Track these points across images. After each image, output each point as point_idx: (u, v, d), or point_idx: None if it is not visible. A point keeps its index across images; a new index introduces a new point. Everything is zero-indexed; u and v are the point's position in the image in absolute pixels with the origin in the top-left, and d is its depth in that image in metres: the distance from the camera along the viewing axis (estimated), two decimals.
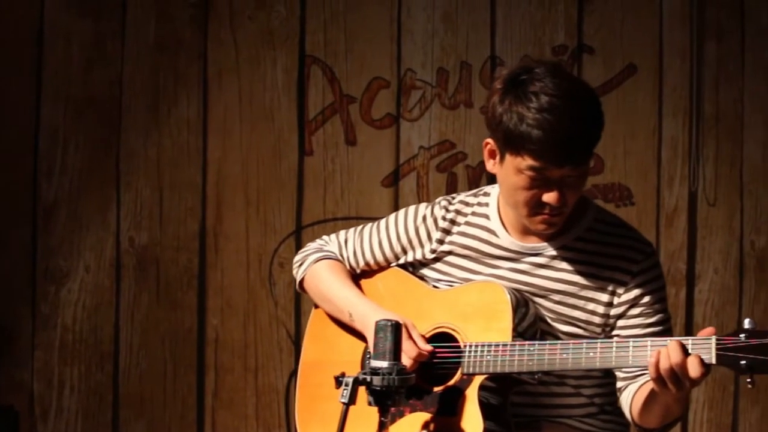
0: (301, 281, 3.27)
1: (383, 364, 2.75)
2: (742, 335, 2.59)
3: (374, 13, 4.54)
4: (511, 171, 2.89)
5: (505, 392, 2.97)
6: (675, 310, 4.57)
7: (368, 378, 2.73)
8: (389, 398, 2.75)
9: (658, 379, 2.70)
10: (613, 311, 2.98)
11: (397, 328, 2.77)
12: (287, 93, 4.55)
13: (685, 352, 2.67)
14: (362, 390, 2.76)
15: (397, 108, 4.55)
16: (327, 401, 3.00)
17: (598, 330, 2.99)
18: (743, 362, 2.57)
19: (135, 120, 4.54)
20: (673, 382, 2.68)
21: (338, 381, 2.75)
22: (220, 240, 4.55)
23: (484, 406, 2.90)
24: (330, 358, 3.17)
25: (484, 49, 4.55)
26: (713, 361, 2.62)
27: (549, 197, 2.87)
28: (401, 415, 2.98)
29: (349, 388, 2.71)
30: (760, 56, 4.57)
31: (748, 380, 2.59)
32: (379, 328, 2.78)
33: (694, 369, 2.66)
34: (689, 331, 4.52)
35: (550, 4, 4.55)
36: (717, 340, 2.63)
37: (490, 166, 2.97)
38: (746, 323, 2.62)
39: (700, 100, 4.56)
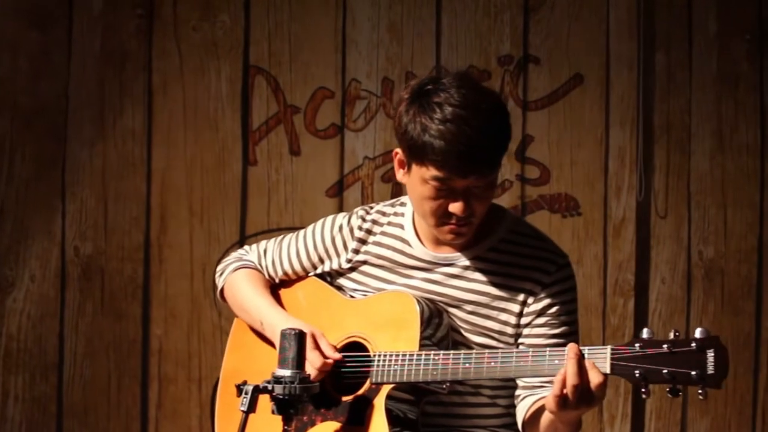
0: (221, 290, 3.29)
1: (286, 372, 2.76)
2: (637, 345, 2.58)
3: (319, 23, 4.54)
4: (418, 181, 2.89)
5: (415, 402, 2.97)
6: (623, 320, 4.57)
7: (270, 386, 2.74)
8: (292, 407, 2.75)
9: (561, 395, 2.67)
10: (522, 320, 2.97)
11: (300, 336, 2.77)
12: (231, 103, 4.55)
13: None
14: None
15: (342, 118, 4.56)
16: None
17: (512, 341, 2.99)
18: (637, 372, 2.56)
19: (81, 130, 4.55)
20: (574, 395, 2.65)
21: (239, 389, 2.75)
22: (164, 250, 4.55)
23: (391, 415, 2.90)
24: (249, 367, 3.17)
25: (430, 59, 4.55)
26: (607, 370, 2.61)
27: (455, 207, 2.87)
28: (312, 424, 2.99)
29: (249, 396, 2.72)
30: (707, 67, 4.57)
31: (643, 390, 2.58)
32: (283, 336, 2.78)
33: (594, 375, 2.65)
34: None
35: (496, 13, 4.55)
36: (612, 349, 2.62)
37: (400, 176, 2.97)
38: (644, 333, 2.61)
39: (647, 110, 4.56)
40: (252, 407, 2.72)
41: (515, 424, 3.05)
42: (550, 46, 4.56)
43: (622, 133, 4.56)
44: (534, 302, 2.96)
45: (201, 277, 4.53)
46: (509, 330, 2.98)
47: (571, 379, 2.62)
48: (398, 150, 2.95)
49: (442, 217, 2.90)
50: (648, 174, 4.56)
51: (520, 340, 2.97)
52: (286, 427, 2.76)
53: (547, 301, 2.96)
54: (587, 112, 4.56)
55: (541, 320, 2.95)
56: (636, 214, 4.57)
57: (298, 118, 4.55)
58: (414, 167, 2.89)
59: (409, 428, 2.96)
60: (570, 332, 2.96)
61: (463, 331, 3.00)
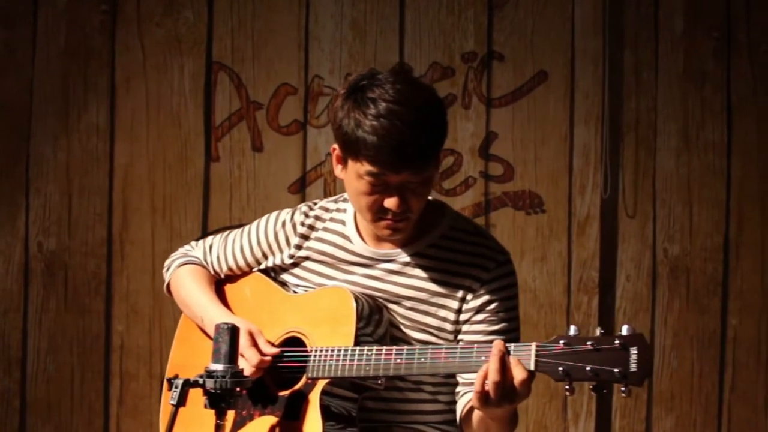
0: (168, 286, 3.29)
1: (218, 367, 2.76)
2: (562, 342, 2.58)
3: (282, 19, 4.54)
4: (353, 176, 2.89)
5: (352, 397, 2.97)
6: (587, 318, 4.56)
7: (201, 380, 2.74)
8: (223, 401, 2.75)
9: (482, 392, 2.67)
10: (461, 317, 2.97)
11: (233, 331, 2.78)
12: (194, 99, 4.56)
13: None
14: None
15: (305, 114, 4.56)
16: (188, 405, 3.00)
17: (451, 337, 2.98)
18: (560, 369, 2.56)
19: (44, 126, 4.55)
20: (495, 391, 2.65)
21: (170, 383, 2.75)
22: (126, 246, 4.55)
23: (326, 410, 2.90)
24: (194, 362, 3.17)
25: (393, 56, 4.55)
26: (532, 367, 2.61)
27: (390, 203, 2.87)
28: (251, 418, 2.99)
29: (178, 390, 2.72)
30: (674, 65, 4.56)
31: (566, 387, 2.58)
32: (216, 331, 2.79)
33: (518, 372, 2.64)
34: None
35: (460, 10, 4.55)
36: (537, 346, 2.62)
37: (338, 171, 2.97)
38: (570, 330, 2.61)
39: (613, 108, 4.55)
40: (182, 401, 2.72)
41: (456, 420, 3.05)
42: (514, 42, 4.55)
43: (587, 131, 4.55)
44: (473, 299, 2.96)
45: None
46: (448, 326, 2.98)
47: (492, 376, 2.62)
48: (336, 146, 2.95)
49: (378, 213, 2.90)
50: (613, 171, 4.55)
51: (460, 337, 2.97)
52: (218, 422, 2.77)
53: (485, 298, 2.95)
54: (552, 109, 4.56)
55: (480, 317, 2.95)
56: (601, 212, 4.56)
57: (260, 114, 4.56)
58: (350, 162, 2.89)
59: (348, 424, 2.96)
60: (509, 329, 2.96)
61: (402, 327, 3.00)
